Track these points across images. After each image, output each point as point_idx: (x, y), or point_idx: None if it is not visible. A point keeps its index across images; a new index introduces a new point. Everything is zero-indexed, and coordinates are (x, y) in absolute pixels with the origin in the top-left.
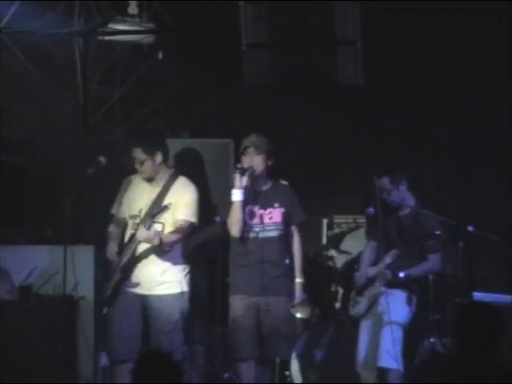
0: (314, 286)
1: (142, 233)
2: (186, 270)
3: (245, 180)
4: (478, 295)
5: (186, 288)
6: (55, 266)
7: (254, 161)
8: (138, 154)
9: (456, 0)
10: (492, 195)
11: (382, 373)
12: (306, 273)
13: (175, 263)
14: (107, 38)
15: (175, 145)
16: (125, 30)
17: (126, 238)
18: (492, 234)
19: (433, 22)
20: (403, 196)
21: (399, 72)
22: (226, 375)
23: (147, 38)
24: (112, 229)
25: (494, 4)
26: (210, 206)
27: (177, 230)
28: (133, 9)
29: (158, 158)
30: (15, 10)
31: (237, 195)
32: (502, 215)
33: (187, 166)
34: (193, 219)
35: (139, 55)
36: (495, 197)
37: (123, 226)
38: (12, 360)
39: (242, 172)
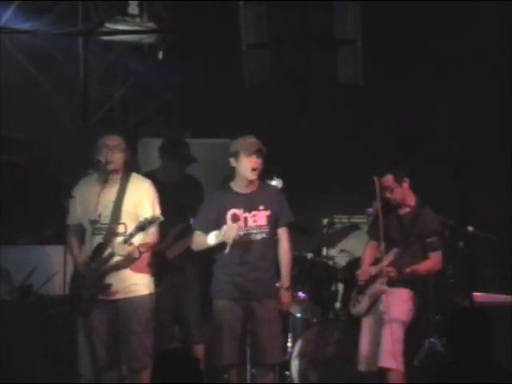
0: (314, 286)
1: (122, 249)
2: (151, 273)
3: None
4: (478, 295)
5: (153, 289)
6: (55, 266)
7: None
8: (118, 142)
9: (456, 0)
10: (492, 195)
11: (383, 373)
12: (306, 273)
13: (141, 266)
14: (107, 37)
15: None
16: (125, 29)
17: (89, 246)
18: (492, 234)
19: (433, 22)
20: (405, 194)
21: (399, 72)
22: (226, 375)
23: (147, 38)
24: (73, 239)
25: (494, 4)
26: None
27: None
28: (133, 9)
29: (128, 155)
30: (15, 10)
31: (212, 239)
32: (501, 216)
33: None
34: (159, 216)
35: (139, 55)
36: (495, 197)
37: (81, 233)
38: (12, 360)
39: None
